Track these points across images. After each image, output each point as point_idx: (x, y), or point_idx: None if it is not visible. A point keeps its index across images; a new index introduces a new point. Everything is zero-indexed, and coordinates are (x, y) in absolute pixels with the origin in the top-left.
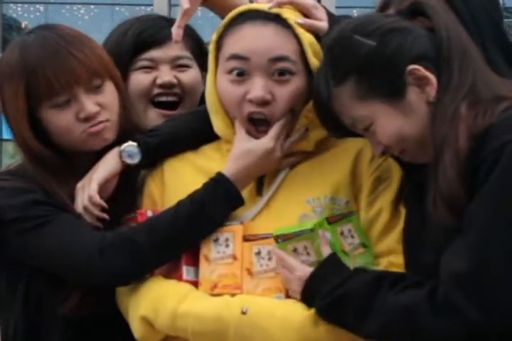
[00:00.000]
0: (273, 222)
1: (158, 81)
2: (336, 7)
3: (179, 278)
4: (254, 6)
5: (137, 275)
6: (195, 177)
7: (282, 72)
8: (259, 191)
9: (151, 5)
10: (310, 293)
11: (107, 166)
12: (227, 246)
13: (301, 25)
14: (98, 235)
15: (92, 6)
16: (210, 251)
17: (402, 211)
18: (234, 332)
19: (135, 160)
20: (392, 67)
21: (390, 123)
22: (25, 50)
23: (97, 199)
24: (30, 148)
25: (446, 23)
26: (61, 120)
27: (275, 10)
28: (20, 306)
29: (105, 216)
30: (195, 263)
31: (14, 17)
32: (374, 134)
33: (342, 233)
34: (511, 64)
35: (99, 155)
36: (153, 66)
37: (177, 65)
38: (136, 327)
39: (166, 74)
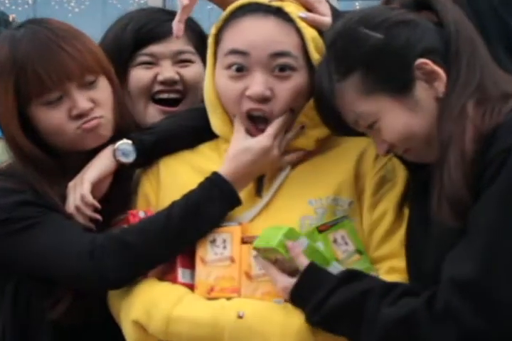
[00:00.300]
0: (272, 224)
1: (160, 77)
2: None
3: (174, 281)
4: None
5: (129, 277)
6: (191, 177)
7: (283, 68)
8: (258, 191)
9: None
10: (298, 304)
11: (101, 165)
12: (224, 247)
13: (304, 20)
14: (89, 236)
15: None
16: (207, 252)
17: (406, 213)
18: (229, 336)
19: (130, 158)
20: (400, 60)
21: (397, 119)
22: (14, 46)
23: (90, 199)
24: (20, 147)
25: (454, 17)
26: (53, 118)
27: (276, 3)
28: (10, 308)
29: (98, 217)
30: (191, 265)
31: (1, 10)
32: (379, 132)
33: (335, 241)
34: None
35: (91, 154)
36: (154, 62)
37: (179, 60)
38: (129, 332)
39: (167, 70)
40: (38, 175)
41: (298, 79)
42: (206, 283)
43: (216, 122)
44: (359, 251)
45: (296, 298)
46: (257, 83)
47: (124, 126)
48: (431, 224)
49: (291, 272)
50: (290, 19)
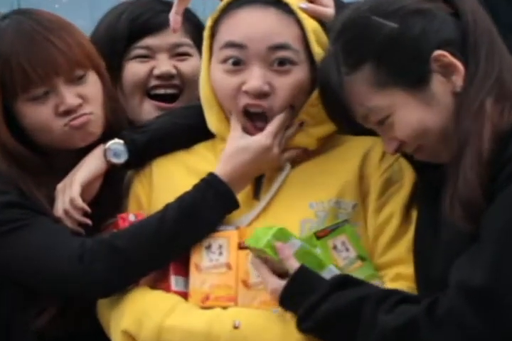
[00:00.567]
0: None
1: (156, 71)
2: None
3: (167, 289)
4: None
5: (120, 284)
6: (186, 179)
7: (282, 62)
8: (256, 193)
9: None
10: (287, 309)
11: (91, 166)
12: (220, 253)
13: (305, 11)
14: (78, 241)
15: None
16: (202, 259)
17: (414, 216)
18: None
19: (121, 159)
20: (415, 52)
21: (411, 114)
22: None
23: (79, 202)
24: (5, 145)
25: (471, 6)
26: (39, 114)
27: None
28: None
29: (87, 221)
30: (184, 272)
31: None
32: (390, 127)
33: (335, 247)
34: None
35: (80, 154)
36: (149, 55)
37: (176, 53)
38: None
39: (164, 64)
40: (24, 175)
41: (298, 74)
42: (201, 292)
43: (212, 120)
44: (361, 258)
45: (286, 302)
46: (255, 77)
47: (116, 123)
48: (440, 227)
49: (282, 274)
50: (290, 10)
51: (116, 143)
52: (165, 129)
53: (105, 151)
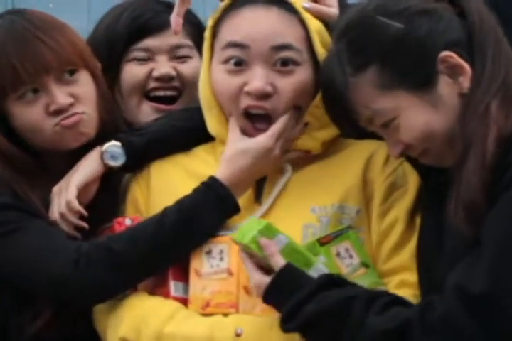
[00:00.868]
0: None
1: (155, 73)
2: None
3: (166, 295)
4: None
5: (117, 289)
6: (185, 183)
7: (285, 62)
8: (258, 197)
9: None
10: (272, 306)
11: (87, 168)
12: (221, 259)
13: (308, 10)
14: (74, 244)
15: None
16: (202, 264)
17: (418, 222)
18: None
19: (118, 162)
20: (422, 53)
21: (417, 117)
22: None
23: (76, 205)
24: None
25: (477, 6)
26: (29, 114)
27: None
28: None
29: (84, 224)
30: (184, 277)
31: None
32: (396, 130)
33: (338, 254)
34: None
35: (76, 156)
36: (149, 57)
37: (176, 55)
38: None
39: (163, 66)
40: (18, 177)
41: (301, 75)
42: (201, 298)
43: (212, 122)
44: (365, 265)
45: (269, 299)
46: (257, 78)
47: (111, 124)
48: (444, 233)
49: (268, 270)
50: (293, 10)
51: (113, 146)
52: (163, 131)
53: (102, 154)
